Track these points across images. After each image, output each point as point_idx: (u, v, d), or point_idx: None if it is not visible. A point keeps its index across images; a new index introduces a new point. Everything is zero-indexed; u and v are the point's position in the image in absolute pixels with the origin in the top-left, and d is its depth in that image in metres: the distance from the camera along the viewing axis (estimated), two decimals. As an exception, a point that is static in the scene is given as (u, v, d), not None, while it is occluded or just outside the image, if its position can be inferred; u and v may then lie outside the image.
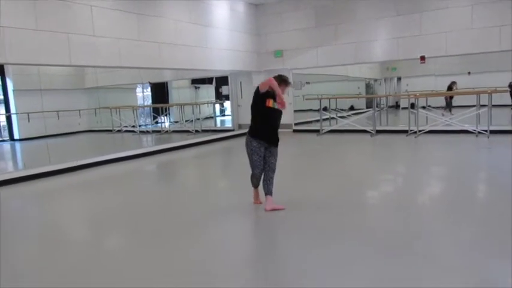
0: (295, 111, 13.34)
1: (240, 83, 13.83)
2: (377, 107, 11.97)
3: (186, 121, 15.06)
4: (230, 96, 13.83)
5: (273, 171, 4.65)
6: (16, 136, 14.91)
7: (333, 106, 13.31)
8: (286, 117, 13.19)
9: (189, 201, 5.52)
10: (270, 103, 4.44)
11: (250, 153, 4.57)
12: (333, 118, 12.68)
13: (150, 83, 15.76)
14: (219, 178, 7.51)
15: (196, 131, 13.38)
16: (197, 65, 10.84)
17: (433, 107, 12.47)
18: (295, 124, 13.26)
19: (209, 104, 15.75)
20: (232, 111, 14.00)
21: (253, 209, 4.78)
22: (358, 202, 5.05)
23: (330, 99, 12.91)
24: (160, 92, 16.71)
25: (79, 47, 7.88)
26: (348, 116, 13.51)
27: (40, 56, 7.27)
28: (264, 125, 4.54)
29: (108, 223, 4.80)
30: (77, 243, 4.21)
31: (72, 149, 12.51)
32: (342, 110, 14.54)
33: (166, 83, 16.63)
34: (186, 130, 13.88)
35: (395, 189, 5.87)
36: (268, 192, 4.62)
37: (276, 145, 4.64)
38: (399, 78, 16.02)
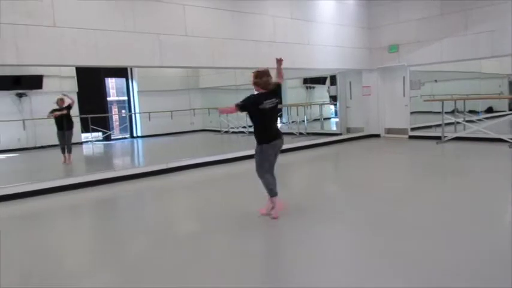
0: (412, 113, 11.59)
1: (350, 82, 12.60)
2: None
3: (292, 122, 14.40)
4: (338, 97, 12.69)
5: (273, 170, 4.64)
6: (137, 134, 16.12)
7: (460, 108, 11.22)
8: (401, 121, 11.68)
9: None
10: (263, 104, 4.38)
11: (264, 159, 4.50)
12: (458, 123, 10.63)
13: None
14: (315, 192, 6.62)
15: (301, 134, 12.59)
16: (298, 64, 10.03)
17: None
18: (412, 129, 11.51)
19: (323, 105, 14.81)
20: (339, 113, 12.85)
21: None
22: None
23: (455, 100, 10.87)
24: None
25: (170, 48, 7.79)
26: (479, 120, 11.21)
27: (130, 57, 7.33)
28: (266, 131, 4.47)
29: (213, 223, 4.74)
30: (181, 241, 4.20)
31: (181, 148, 12.87)
32: (474, 112, 12.23)
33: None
34: (290, 132, 13.20)
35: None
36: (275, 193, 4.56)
37: (281, 137, 4.55)
38: (556, 75, 12.86)
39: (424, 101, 11.48)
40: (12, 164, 10.54)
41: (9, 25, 6.08)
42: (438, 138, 10.27)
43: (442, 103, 10.19)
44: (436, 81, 13.19)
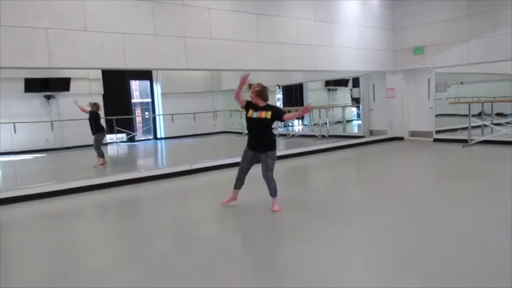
0: (437, 116, 11.40)
1: (373, 85, 12.49)
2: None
3: (314, 125, 14.36)
4: (361, 99, 12.59)
5: (266, 178, 4.90)
6: (160, 135, 16.34)
7: (487, 110, 10.97)
8: (426, 124, 11.50)
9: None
10: (249, 113, 4.80)
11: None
12: (485, 126, 10.39)
13: (278, 86, 15.51)
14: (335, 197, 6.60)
15: (323, 136, 12.55)
16: (320, 66, 10.02)
17: None
18: (437, 132, 11.32)
19: (345, 108, 14.72)
20: (362, 115, 12.74)
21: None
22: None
23: (482, 102, 10.63)
24: (292, 94, 16.37)
25: (196, 50, 7.89)
26: (507, 123, 10.94)
27: (157, 60, 7.47)
28: (248, 134, 5.03)
29: (237, 223, 4.87)
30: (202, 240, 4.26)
31: (204, 149, 13.00)
32: (502, 115, 11.94)
33: (301, 85, 16.20)
34: (312, 135, 13.17)
35: None
36: (271, 195, 5.01)
37: (260, 151, 4.85)
38: None
39: (450, 103, 11.27)
40: (40, 164, 10.85)
41: (42, 29, 6.29)
42: (464, 141, 10.08)
43: (469, 105, 9.99)
44: (462, 83, 12.95)
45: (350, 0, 10.58)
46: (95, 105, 9.03)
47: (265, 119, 4.75)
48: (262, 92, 4.79)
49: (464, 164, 8.33)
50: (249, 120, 4.84)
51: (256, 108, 4.80)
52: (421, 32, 11.20)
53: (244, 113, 4.94)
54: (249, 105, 4.83)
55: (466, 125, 10.10)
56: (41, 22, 6.28)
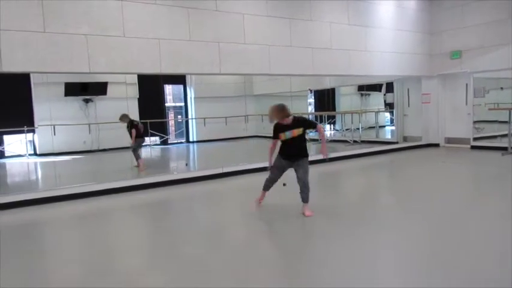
0: (475, 122, 11.02)
1: (408, 90, 12.22)
2: None
3: (346, 130, 14.19)
4: (395, 104, 12.35)
5: (302, 181, 4.94)
6: (192, 138, 16.58)
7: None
8: (463, 131, 11.12)
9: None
10: (282, 137, 4.95)
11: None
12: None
13: (310, 90, 15.44)
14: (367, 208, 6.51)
15: (355, 142, 12.38)
16: (354, 71, 9.91)
17: None
18: (475, 139, 10.93)
19: (377, 113, 14.47)
20: (396, 121, 12.49)
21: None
22: None
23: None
24: (324, 99, 16.23)
25: (229, 55, 7.98)
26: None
27: (191, 65, 7.60)
28: (283, 146, 5.04)
29: (268, 226, 4.93)
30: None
31: (236, 153, 13.09)
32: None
33: (333, 89, 16.06)
34: (344, 140, 13.01)
35: None
36: (303, 200, 5.01)
37: (298, 159, 4.96)
38: None
39: (489, 109, 10.87)
40: (78, 166, 11.24)
41: (82, 36, 6.55)
42: (504, 149, 9.69)
43: (509, 112, 9.61)
44: (502, 88, 12.47)
45: (385, 3, 10.42)
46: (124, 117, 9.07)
47: (298, 135, 4.93)
48: (280, 112, 4.93)
49: (503, 172, 8.00)
50: (284, 141, 4.98)
51: (285, 128, 4.92)
52: (459, 35, 10.88)
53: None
54: (277, 131, 5.00)
55: (506, 132, 9.71)
56: (81, 29, 6.53)
